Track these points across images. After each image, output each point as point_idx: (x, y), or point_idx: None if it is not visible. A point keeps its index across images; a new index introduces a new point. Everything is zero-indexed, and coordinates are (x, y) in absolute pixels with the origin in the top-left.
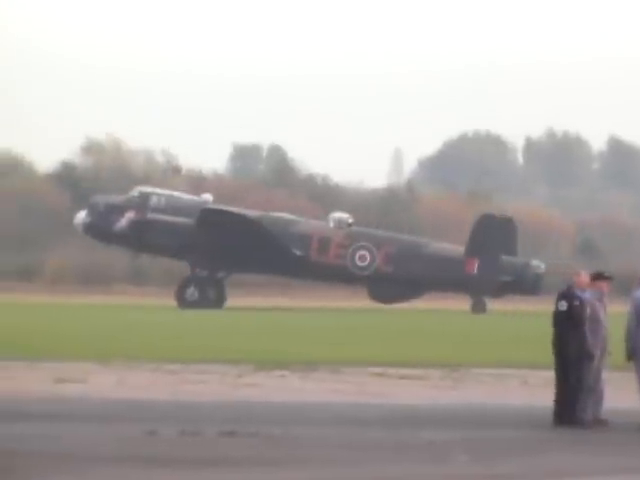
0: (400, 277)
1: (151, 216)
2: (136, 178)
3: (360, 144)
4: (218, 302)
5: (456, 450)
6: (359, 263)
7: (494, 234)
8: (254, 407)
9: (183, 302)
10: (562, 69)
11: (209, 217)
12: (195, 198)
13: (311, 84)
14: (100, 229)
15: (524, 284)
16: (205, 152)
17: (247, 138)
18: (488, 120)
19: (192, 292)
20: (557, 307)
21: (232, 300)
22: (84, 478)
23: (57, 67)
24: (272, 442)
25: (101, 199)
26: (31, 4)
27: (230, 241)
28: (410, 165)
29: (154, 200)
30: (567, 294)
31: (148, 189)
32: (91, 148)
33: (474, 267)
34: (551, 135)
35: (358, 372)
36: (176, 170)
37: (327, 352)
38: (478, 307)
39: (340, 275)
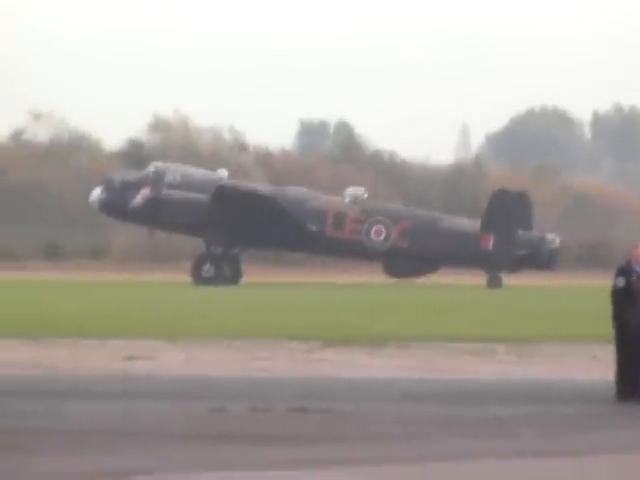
0: (416, 252)
1: (166, 192)
2: (203, 156)
3: (427, 120)
4: (234, 278)
5: (522, 425)
6: (375, 238)
7: (509, 209)
8: (324, 383)
9: (199, 279)
10: (629, 45)
11: (224, 193)
12: (210, 174)
13: (377, 57)
14: (116, 206)
15: (540, 259)
16: (272, 129)
17: (314, 114)
18: (555, 95)
19: (208, 269)
20: (615, 283)
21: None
22: (154, 455)
23: (125, 47)
24: (342, 419)
25: (117, 176)
26: None
27: (245, 217)
28: (477, 141)
29: (169, 176)
30: (625, 269)
31: (163, 165)
32: (158, 125)
33: (490, 242)
34: (618, 110)
35: (425, 347)
36: (243, 147)
37: (394, 328)
38: (494, 282)
39: (356, 250)
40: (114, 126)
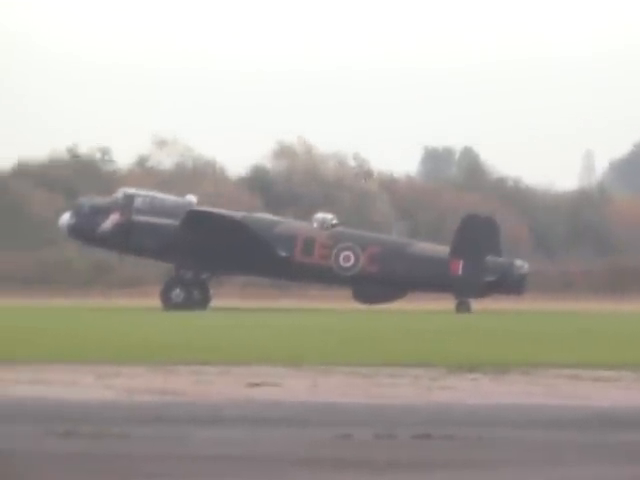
0: (385, 277)
1: (135, 218)
2: (327, 182)
3: (551, 146)
4: (203, 303)
5: None
6: (343, 264)
7: (478, 234)
8: (447, 410)
9: (168, 303)
10: None
11: (193, 218)
12: (180, 199)
13: (499, 82)
14: (85, 231)
15: (508, 284)
16: (397, 155)
17: (439, 141)
18: None
19: (178, 293)
20: None
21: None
22: None
23: (249, 76)
24: (467, 445)
25: (86, 200)
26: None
27: (215, 242)
28: (601, 167)
29: (138, 201)
30: None
31: (132, 190)
32: (283, 152)
33: (459, 268)
34: None
35: (550, 374)
36: (367, 174)
37: (517, 354)
38: (462, 307)
39: (325, 276)
40: (238, 153)
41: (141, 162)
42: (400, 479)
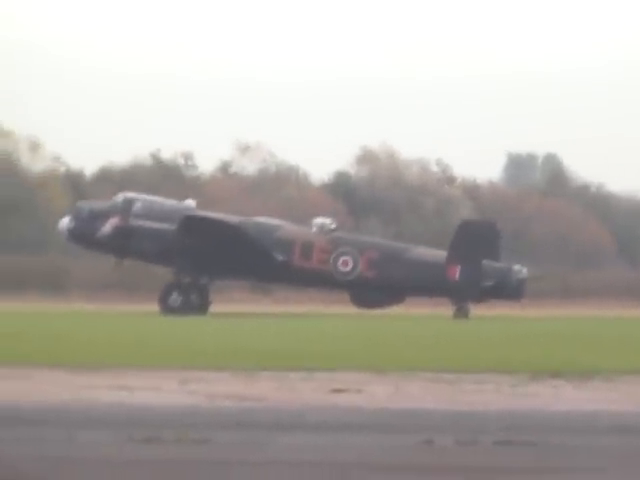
0: (383, 282)
1: (134, 222)
2: (410, 187)
3: (635, 152)
4: (202, 308)
5: None
6: (342, 268)
7: (475, 240)
8: (530, 416)
9: (166, 308)
10: None
11: (190, 223)
12: (179, 204)
13: (582, 87)
14: (84, 235)
15: (506, 289)
16: (480, 161)
17: (522, 147)
18: None
19: (175, 298)
20: None
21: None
22: None
23: (328, 83)
24: (549, 451)
25: (85, 205)
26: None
27: (211, 247)
28: None
29: (137, 206)
30: None
31: (132, 194)
32: (365, 158)
33: (456, 273)
34: None
35: (633, 380)
36: (450, 179)
37: (600, 360)
38: (461, 313)
39: (323, 280)
40: (322, 158)
41: (224, 167)
42: None
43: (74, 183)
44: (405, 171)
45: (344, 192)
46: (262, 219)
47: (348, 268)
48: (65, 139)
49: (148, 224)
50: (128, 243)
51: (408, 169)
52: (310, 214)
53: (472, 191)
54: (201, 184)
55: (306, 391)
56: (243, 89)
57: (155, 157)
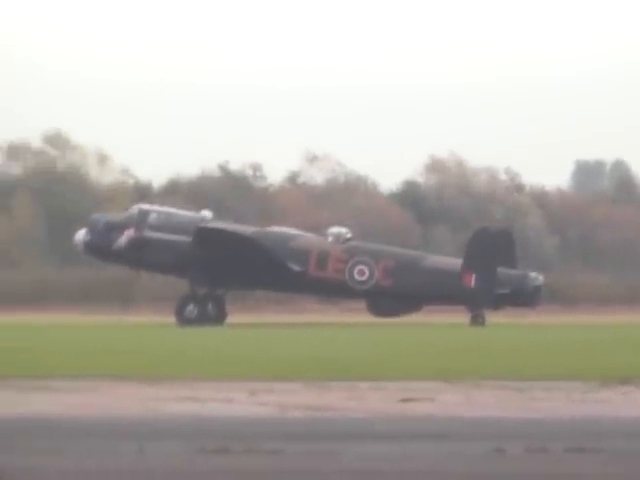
0: (399, 291)
1: (149, 234)
2: (479, 196)
3: None
4: (219, 319)
5: None
6: (358, 277)
7: (490, 247)
8: (601, 423)
9: (182, 319)
10: None
11: (204, 235)
12: (194, 215)
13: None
14: (100, 248)
15: (522, 296)
16: (548, 169)
17: (590, 154)
18: None
19: (191, 310)
20: None
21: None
22: None
23: (398, 92)
24: (620, 458)
25: (101, 217)
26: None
27: (226, 258)
28: None
29: (153, 217)
30: None
31: (147, 206)
32: (434, 166)
33: (471, 281)
34: None
35: None
36: (519, 187)
37: None
38: (477, 320)
39: (339, 290)
40: (390, 168)
41: (292, 178)
42: None
43: (142, 195)
44: (473, 179)
45: (412, 201)
46: (277, 229)
47: (364, 277)
48: (133, 152)
49: (164, 236)
50: (144, 255)
51: (476, 177)
52: (379, 224)
53: (540, 199)
54: (269, 195)
55: (376, 400)
56: (310, 99)
57: (223, 168)
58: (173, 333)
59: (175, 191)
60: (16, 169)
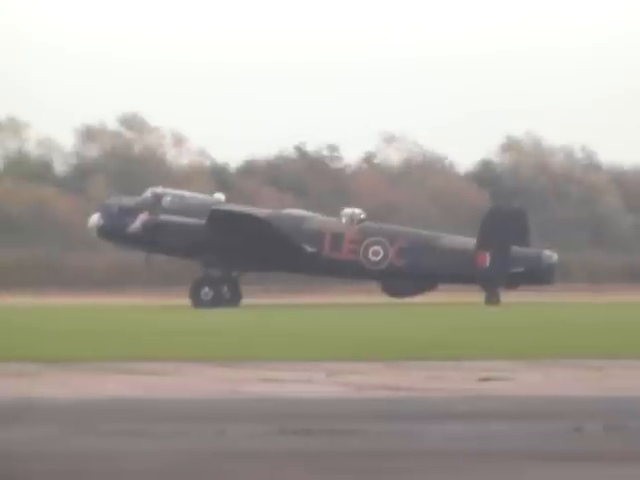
0: (413, 271)
1: (164, 217)
2: (555, 175)
3: None
4: (233, 301)
5: None
6: (372, 258)
7: (504, 226)
8: None
9: (198, 302)
10: None
11: (218, 217)
12: (208, 198)
13: None
14: (114, 232)
15: (537, 275)
16: (626, 147)
17: None
18: None
19: (206, 292)
20: None
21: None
22: (509, 475)
23: (469, 67)
24: None
25: (114, 201)
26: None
27: (240, 241)
28: None
29: (167, 201)
30: None
31: (160, 190)
32: (510, 146)
33: (485, 260)
34: None
35: None
36: (596, 166)
37: None
38: (492, 299)
39: (353, 271)
40: (467, 148)
41: (369, 158)
42: (632, 472)
43: (219, 177)
44: (550, 159)
45: (489, 181)
46: (291, 211)
47: (378, 258)
48: (210, 133)
49: (178, 219)
50: (158, 238)
51: (553, 156)
52: (455, 204)
53: (618, 178)
54: (346, 176)
55: (455, 380)
56: (386, 78)
57: (300, 149)
58: (248, 315)
59: (251, 172)
60: (92, 151)
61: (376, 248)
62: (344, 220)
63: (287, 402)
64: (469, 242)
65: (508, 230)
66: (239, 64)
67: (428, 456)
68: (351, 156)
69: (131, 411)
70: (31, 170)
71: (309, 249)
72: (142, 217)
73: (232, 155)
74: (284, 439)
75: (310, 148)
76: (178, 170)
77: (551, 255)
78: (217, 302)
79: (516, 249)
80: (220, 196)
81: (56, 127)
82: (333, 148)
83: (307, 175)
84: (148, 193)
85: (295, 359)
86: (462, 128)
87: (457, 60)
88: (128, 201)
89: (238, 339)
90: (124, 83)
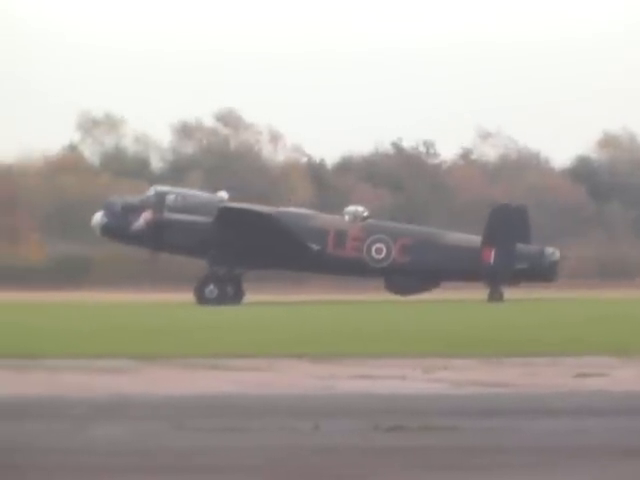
0: (417, 268)
1: (169, 215)
2: None
3: None
4: (236, 298)
5: None
6: (376, 256)
7: (510, 223)
8: None
9: (202, 299)
10: None
11: (227, 214)
12: (211, 196)
13: None
14: (117, 230)
15: (540, 271)
16: None
17: None
18: None
19: (212, 289)
20: None
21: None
22: (603, 471)
23: (563, 62)
24: None
25: (117, 200)
26: None
27: (247, 238)
28: None
29: (170, 199)
30: None
31: (164, 188)
32: (607, 142)
33: (491, 257)
34: None
35: None
36: None
37: None
38: (495, 296)
39: (357, 268)
40: (563, 144)
41: (465, 154)
42: None
43: (316, 173)
44: None
45: (585, 177)
46: (293, 209)
47: (382, 255)
48: (306, 129)
49: (182, 217)
50: (163, 236)
51: None
52: (552, 199)
53: None
54: (442, 172)
55: (551, 376)
56: (482, 76)
57: (396, 146)
58: (339, 310)
59: (348, 169)
60: (189, 148)
61: (379, 246)
62: (347, 218)
63: (381, 398)
64: (472, 239)
65: (512, 227)
66: (335, 59)
67: (522, 452)
68: (447, 152)
69: (227, 407)
70: (128, 166)
71: (313, 247)
72: (146, 215)
73: (328, 151)
74: (378, 435)
75: (406, 144)
76: (274, 166)
77: (553, 252)
78: (222, 300)
79: (520, 246)
80: (223, 194)
81: (152, 123)
82: (429, 144)
83: (403, 171)
84: (151, 191)
85: (390, 355)
86: (558, 124)
87: (555, 57)
88: (132, 199)
89: (333, 335)
90: (220, 79)
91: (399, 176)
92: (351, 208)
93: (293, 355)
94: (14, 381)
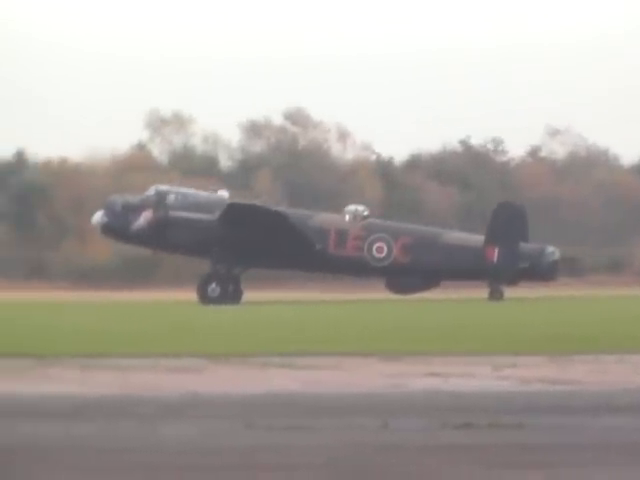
0: (418, 267)
1: (172, 213)
2: None
3: None
4: (235, 297)
5: None
6: (376, 255)
7: (512, 222)
8: None
9: (205, 298)
10: None
11: (235, 212)
12: (212, 195)
13: None
14: (118, 229)
15: (540, 270)
16: None
17: None
18: None
19: (214, 288)
20: None
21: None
22: None
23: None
24: None
25: (117, 199)
26: None
27: (255, 235)
28: None
29: (171, 198)
30: None
31: (164, 187)
32: None
33: (494, 256)
34: None
35: None
36: None
37: None
38: (496, 295)
39: (358, 267)
40: (633, 141)
41: (534, 152)
42: None
43: (385, 171)
44: None
45: None
46: (295, 209)
47: (383, 254)
48: (374, 128)
49: (184, 215)
50: (164, 235)
51: None
52: (620, 196)
53: None
54: (510, 169)
55: (620, 374)
56: (552, 73)
57: (465, 143)
58: (399, 308)
59: (416, 166)
60: (258, 146)
61: (380, 245)
62: (347, 217)
63: (450, 396)
64: (473, 238)
65: (515, 226)
66: (399, 59)
67: (588, 450)
68: (516, 150)
69: (295, 405)
70: (196, 165)
71: (316, 246)
72: (146, 215)
73: (397, 149)
74: (446, 433)
75: (474, 142)
76: (343, 164)
77: (553, 251)
78: (223, 298)
79: (521, 245)
80: (224, 193)
81: (221, 122)
82: (497, 141)
83: (471, 168)
84: (152, 191)
85: (458, 353)
86: (626, 121)
87: (623, 54)
88: (132, 199)
89: (397, 333)
90: (289, 77)
91: (467, 174)
92: (351, 207)
93: (361, 353)
94: (83, 380)
